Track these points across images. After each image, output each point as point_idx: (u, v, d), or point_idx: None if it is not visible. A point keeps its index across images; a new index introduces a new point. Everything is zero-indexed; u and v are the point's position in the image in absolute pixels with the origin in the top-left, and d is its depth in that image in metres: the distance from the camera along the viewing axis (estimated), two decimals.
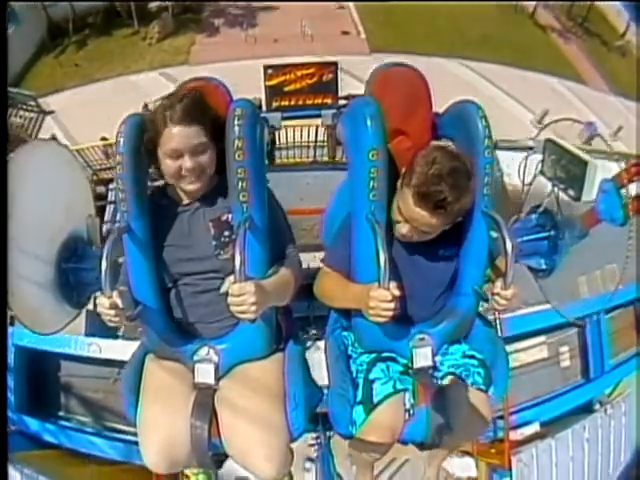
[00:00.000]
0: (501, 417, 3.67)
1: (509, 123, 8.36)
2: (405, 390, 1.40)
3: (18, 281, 1.62)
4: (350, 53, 9.69)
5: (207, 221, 1.36)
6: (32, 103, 8.88)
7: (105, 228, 6.02)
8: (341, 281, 1.42)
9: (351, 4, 12.19)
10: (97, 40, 11.11)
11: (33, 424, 3.96)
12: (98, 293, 1.20)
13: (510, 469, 3.53)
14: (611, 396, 4.48)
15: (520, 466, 3.55)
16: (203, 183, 1.31)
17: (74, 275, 1.85)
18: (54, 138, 7.64)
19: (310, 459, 2.70)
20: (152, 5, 11.66)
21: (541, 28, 11.90)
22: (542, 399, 4.29)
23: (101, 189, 6.67)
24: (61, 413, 4.39)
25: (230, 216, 1.33)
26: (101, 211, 6.34)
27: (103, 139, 7.06)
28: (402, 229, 1.32)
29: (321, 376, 1.54)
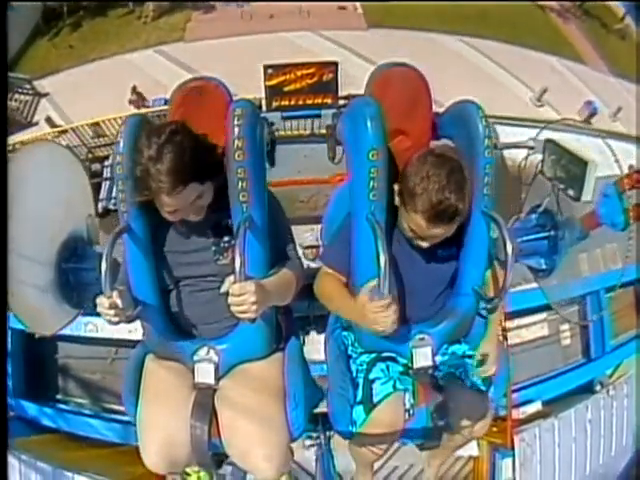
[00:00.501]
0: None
1: (508, 100, 8.38)
2: (405, 390, 1.40)
3: (18, 281, 1.62)
4: (347, 28, 9.63)
5: (207, 227, 1.35)
6: (27, 86, 8.87)
7: (100, 205, 6.07)
8: (341, 291, 1.41)
9: None
10: (92, 21, 10.96)
11: (31, 409, 3.94)
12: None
13: (512, 448, 3.50)
14: (612, 377, 4.45)
15: (523, 445, 3.53)
16: (204, 211, 1.29)
17: (74, 275, 1.85)
18: (49, 119, 7.64)
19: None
20: None
21: (540, 7, 11.85)
22: (543, 377, 4.26)
23: (96, 167, 6.74)
24: (59, 396, 4.40)
25: (230, 222, 1.32)
26: (96, 189, 6.35)
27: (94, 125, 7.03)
28: (423, 244, 1.30)
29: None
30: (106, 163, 6.70)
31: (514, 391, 3.81)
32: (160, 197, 1.18)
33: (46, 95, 8.99)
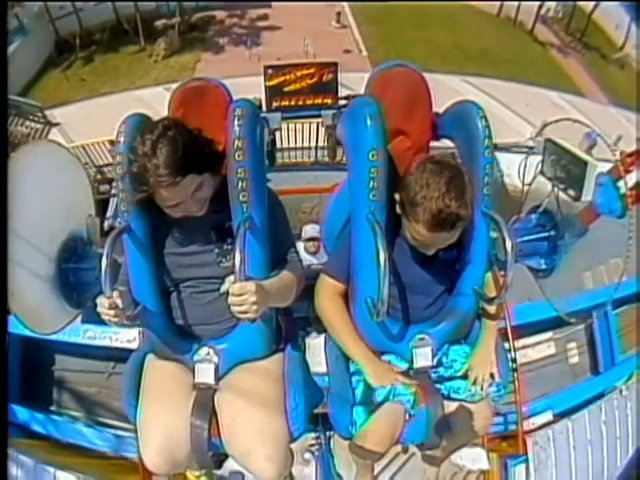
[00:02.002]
0: (512, 411, 3.48)
1: (509, 136, 8.44)
2: (405, 390, 1.40)
3: (18, 281, 1.63)
4: (352, 70, 9.84)
5: (209, 228, 1.34)
6: (39, 114, 8.95)
7: (107, 223, 6.09)
8: (348, 328, 1.42)
9: (353, 25, 12.49)
10: (104, 56, 11.30)
11: (22, 413, 3.92)
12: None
13: (525, 453, 3.36)
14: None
15: (536, 449, 3.38)
16: (206, 203, 1.29)
17: (74, 275, 1.86)
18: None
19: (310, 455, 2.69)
20: (159, 23, 11.86)
21: (540, 44, 12.07)
22: (552, 395, 4.18)
23: (105, 187, 6.79)
24: (53, 407, 4.36)
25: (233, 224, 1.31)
26: (103, 207, 6.35)
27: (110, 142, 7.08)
28: (429, 251, 1.31)
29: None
30: (114, 184, 6.72)
31: (523, 405, 3.67)
32: (159, 192, 1.18)
33: (57, 125, 9.05)
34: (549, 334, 4.42)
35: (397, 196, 1.29)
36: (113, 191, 6.47)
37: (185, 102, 1.40)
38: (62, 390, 4.45)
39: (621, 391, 3.75)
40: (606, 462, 3.55)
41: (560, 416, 3.90)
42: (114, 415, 4.09)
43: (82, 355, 4.23)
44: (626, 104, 9.80)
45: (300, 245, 4.14)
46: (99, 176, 7.01)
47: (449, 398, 1.44)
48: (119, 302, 1.19)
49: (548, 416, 3.84)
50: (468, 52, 10.62)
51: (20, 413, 3.93)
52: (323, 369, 1.55)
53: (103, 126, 7.61)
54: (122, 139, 1.25)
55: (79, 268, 1.86)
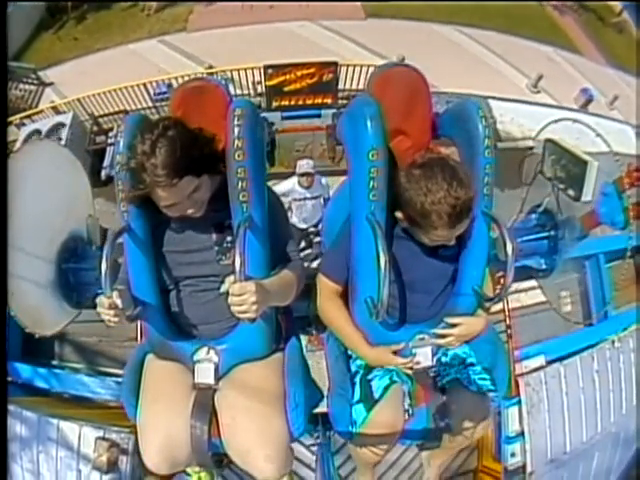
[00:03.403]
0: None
1: (504, 87, 8.44)
2: (403, 383, 1.41)
3: (18, 281, 1.63)
4: (346, 18, 9.84)
5: (209, 226, 1.34)
6: (32, 76, 8.91)
7: (103, 173, 6.11)
8: (350, 327, 1.43)
9: None
10: (96, 14, 11.12)
11: (25, 371, 3.88)
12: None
13: (518, 395, 3.25)
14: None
15: (529, 391, 3.29)
16: (204, 204, 1.29)
17: (74, 275, 1.86)
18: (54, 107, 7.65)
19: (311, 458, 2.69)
20: None
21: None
22: (545, 342, 3.99)
23: (101, 138, 6.78)
24: (55, 362, 4.35)
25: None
26: (100, 157, 6.41)
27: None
28: (449, 242, 1.31)
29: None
30: (110, 134, 6.73)
31: (515, 349, 3.54)
32: (156, 191, 1.18)
33: (50, 84, 9.03)
34: (542, 280, 4.30)
35: (399, 214, 1.28)
36: (109, 140, 6.52)
37: (185, 102, 1.40)
38: (63, 343, 4.44)
39: (613, 342, 3.65)
40: (599, 414, 3.48)
41: (553, 362, 3.75)
42: (115, 363, 4.13)
43: None
44: (624, 66, 9.65)
45: (294, 179, 4.36)
46: (95, 128, 7.02)
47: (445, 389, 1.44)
48: (119, 302, 1.19)
49: (541, 361, 3.65)
50: (463, 4, 10.42)
51: (23, 371, 3.89)
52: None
53: (99, 81, 7.62)
54: (122, 138, 1.26)
55: (79, 268, 1.86)
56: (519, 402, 3.25)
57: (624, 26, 11.46)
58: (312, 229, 4.89)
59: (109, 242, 1.25)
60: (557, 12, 11.50)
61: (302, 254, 5.09)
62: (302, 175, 4.31)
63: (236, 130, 1.23)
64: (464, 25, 9.99)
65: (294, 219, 4.67)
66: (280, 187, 4.37)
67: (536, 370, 3.43)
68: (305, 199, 4.47)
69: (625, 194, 1.69)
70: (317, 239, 5.00)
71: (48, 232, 1.79)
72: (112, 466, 3.00)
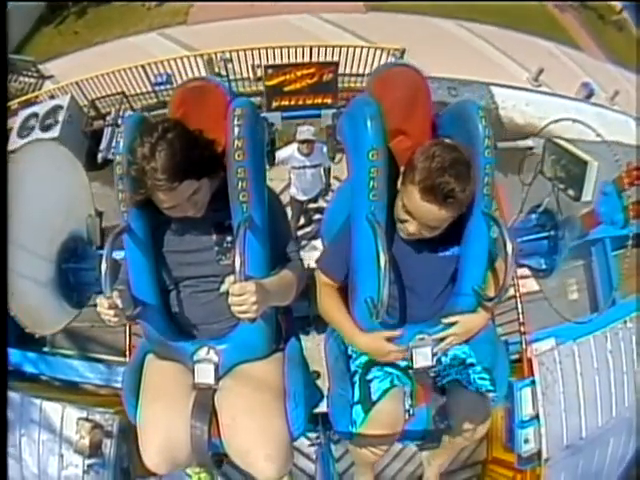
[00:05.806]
0: (514, 341, 3.17)
1: (505, 80, 8.45)
2: (403, 386, 1.41)
3: (18, 281, 1.63)
4: (347, 11, 9.84)
5: (209, 226, 1.34)
6: (32, 69, 8.91)
7: (100, 156, 6.13)
8: (343, 315, 1.43)
9: None
10: (96, 8, 11.13)
11: (15, 356, 3.80)
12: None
13: (531, 375, 3.08)
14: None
15: (543, 370, 3.11)
16: (204, 206, 1.30)
17: (74, 275, 1.86)
18: (52, 97, 7.65)
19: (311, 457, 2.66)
20: None
21: None
22: (554, 327, 3.73)
23: (99, 123, 6.81)
24: (46, 348, 4.29)
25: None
26: (97, 139, 6.46)
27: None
28: (410, 227, 1.29)
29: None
30: (107, 118, 6.77)
31: (524, 333, 3.31)
32: (157, 194, 1.18)
33: (50, 77, 9.00)
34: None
35: (402, 168, 1.29)
36: (107, 122, 6.58)
37: (185, 102, 1.40)
38: None
39: (626, 322, 3.50)
40: (615, 398, 3.30)
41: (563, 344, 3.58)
42: (107, 349, 4.11)
43: None
44: (624, 63, 9.66)
45: (294, 146, 4.17)
46: (92, 112, 7.04)
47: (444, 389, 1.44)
48: (119, 302, 1.19)
49: (552, 343, 3.44)
50: (462, 4, 10.39)
51: (13, 356, 3.81)
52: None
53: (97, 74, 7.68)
54: (122, 139, 1.25)
55: (79, 268, 1.86)
56: (533, 383, 3.06)
57: (624, 24, 11.48)
58: (312, 205, 4.70)
59: (109, 242, 1.25)
60: (557, 10, 11.51)
61: (301, 232, 4.94)
62: (302, 142, 4.05)
63: (236, 130, 1.23)
64: (465, 19, 10.00)
65: (293, 190, 4.47)
66: (279, 153, 4.17)
67: (549, 351, 3.24)
68: (305, 167, 4.23)
69: (625, 193, 1.70)
70: (317, 216, 4.84)
71: (48, 232, 1.79)
72: (95, 450, 2.80)
